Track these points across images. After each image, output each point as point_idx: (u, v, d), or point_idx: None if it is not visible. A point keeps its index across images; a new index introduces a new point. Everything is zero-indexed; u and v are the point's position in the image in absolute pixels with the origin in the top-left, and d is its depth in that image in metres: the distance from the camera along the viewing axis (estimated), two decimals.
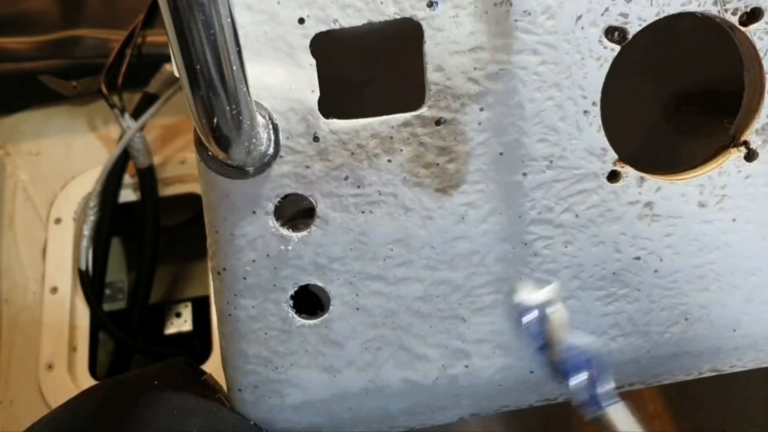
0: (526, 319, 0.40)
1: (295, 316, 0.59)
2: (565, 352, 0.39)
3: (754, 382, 1.00)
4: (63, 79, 1.34)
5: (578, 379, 0.40)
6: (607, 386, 0.39)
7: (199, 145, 0.51)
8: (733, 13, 0.54)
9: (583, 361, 0.40)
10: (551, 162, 0.56)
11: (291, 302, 0.58)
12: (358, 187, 0.55)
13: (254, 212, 0.55)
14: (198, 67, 0.41)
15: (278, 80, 0.52)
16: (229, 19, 0.40)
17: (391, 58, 0.66)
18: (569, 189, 0.57)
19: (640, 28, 0.53)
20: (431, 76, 0.53)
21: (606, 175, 0.57)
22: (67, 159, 1.37)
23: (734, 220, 0.60)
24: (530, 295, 0.40)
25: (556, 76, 0.54)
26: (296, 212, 0.61)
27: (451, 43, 0.52)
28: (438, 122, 0.54)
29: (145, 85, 1.33)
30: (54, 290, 1.27)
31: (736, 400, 1.06)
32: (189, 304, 1.44)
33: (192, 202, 1.36)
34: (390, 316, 0.60)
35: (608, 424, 0.39)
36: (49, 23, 1.36)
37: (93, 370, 1.25)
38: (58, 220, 1.32)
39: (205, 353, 1.25)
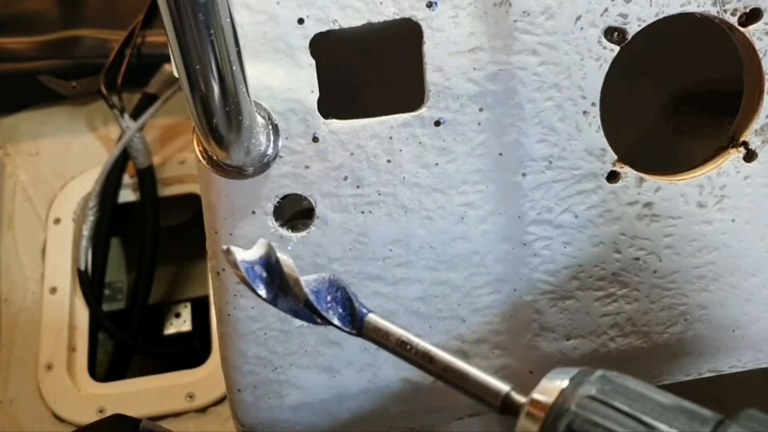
0: (253, 273, 0.38)
1: None
2: (307, 286, 0.38)
3: (754, 382, 1.00)
4: (62, 79, 1.35)
5: (333, 305, 0.40)
6: (356, 300, 0.40)
7: (199, 146, 0.51)
8: (732, 14, 0.54)
9: (326, 287, 0.39)
10: (550, 162, 0.56)
11: None
12: (358, 187, 0.55)
13: (253, 212, 0.55)
14: (197, 67, 0.41)
15: (278, 80, 0.52)
16: (228, 20, 0.40)
17: (390, 59, 0.66)
18: (568, 189, 0.57)
19: (639, 28, 0.53)
20: (430, 76, 0.53)
21: (605, 175, 0.57)
22: (67, 159, 1.37)
23: (733, 220, 0.60)
24: (244, 253, 0.39)
25: (556, 76, 0.54)
26: (295, 212, 0.61)
27: (450, 44, 0.52)
28: (437, 123, 0.54)
29: (144, 86, 1.33)
30: (53, 290, 1.27)
31: (735, 400, 1.06)
32: (188, 305, 1.44)
33: (191, 202, 1.36)
34: (389, 316, 0.59)
35: (374, 330, 0.40)
36: (48, 23, 1.36)
37: (92, 371, 1.25)
38: (57, 220, 1.32)
39: (205, 354, 1.25)
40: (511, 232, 0.58)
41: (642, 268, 0.60)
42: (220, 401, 1.20)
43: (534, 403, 0.37)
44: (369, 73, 0.73)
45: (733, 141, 0.59)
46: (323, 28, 0.51)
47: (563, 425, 0.36)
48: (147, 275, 1.36)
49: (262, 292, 0.39)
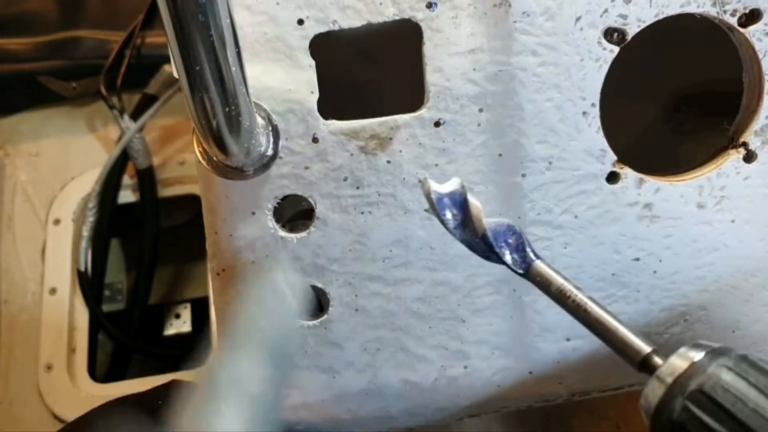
0: (444, 202, 0.44)
1: None
2: (487, 224, 0.43)
3: None
4: (62, 80, 1.34)
5: (506, 244, 0.44)
6: (529, 246, 0.44)
7: (199, 146, 0.51)
8: (732, 15, 0.54)
9: (504, 229, 0.44)
10: (550, 163, 0.56)
11: None
12: (358, 188, 0.55)
13: (253, 213, 0.55)
14: (197, 68, 0.41)
15: (277, 81, 0.52)
16: (228, 20, 0.40)
17: (390, 59, 0.66)
18: (568, 190, 0.57)
19: (639, 29, 0.53)
20: (430, 77, 0.53)
21: (605, 176, 0.57)
22: (67, 160, 1.37)
23: (733, 221, 0.60)
24: (439, 186, 0.44)
25: (556, 77, 0.54)
26: (296, 213, 0.61)
27: (450, 45, 0.52)
28: (437, 123, 0.54)
29: (144, 86, 1.33)
30: (53, 291, 1.27)
31: None
32: (188, 305, 1.44)
33: (191, 203, 1.36)
34: (389, 317, 0.60)
35: (539, 275, 0.43)
36: (48, 24, 1.36)
37: (92, 371, 1.25)
38: (57, 221, 1.32)
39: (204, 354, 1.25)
40: None
41: (642, 268, 0.60)
42: None
43: (668, 367, 0.38)
44: (368, 73, 0.73)
45: (733, 142, 0.59)
46: (323, 29, 0.51)
47: (694, 384, 0.37)
48: (147, 276, 1.36)
49: (448, 220, 0.44)
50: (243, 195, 0.54)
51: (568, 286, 0.43)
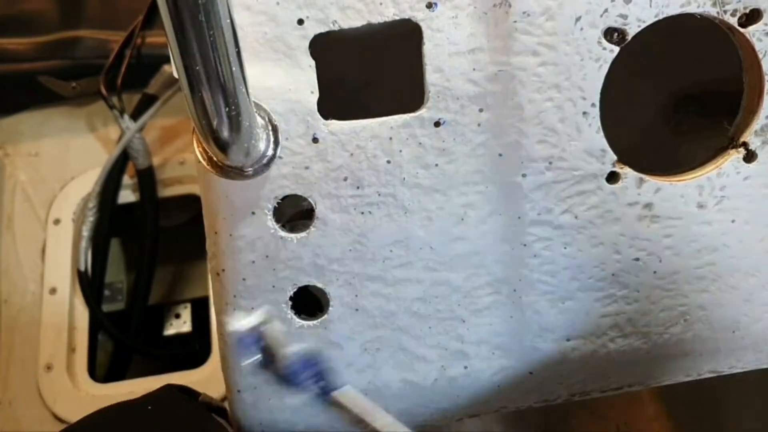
0: (242, 344, 0.43)
1: (295, 317, 0.59)
2: (288, 359, 0.43)
3: (753, 383, 1.00)
4: (62, 79, 1.34)
5: (306, 378, 0.44)
6: (330, 376, 0.43)
7: (199, 146, 0.51)
8: (732, 15, 0.54)
9: (305, 361, 0.44)
10: (550, 163, 0.56)
11: (290, 303, 0.58)
12: (358, 188, 0.55)
13: (253, 213, 0.55)
14: (197, 68, 0.41)
15: (277, 81, 0.52)
16: (228, 20, 0.40)
17: (390, 60, 0.66)
18: (568, 190, 0.57)
19: (639, 29, 0.53)
20: (430, 77, 0.53)
21: (605, 176, 0.57)
22: (66, 160, 1.37)
23: (733, 221, 0.60)
24: (241, 321, 0.42)
25: (556, 77, 0.54)
26: (296, 213, 0.61)
27: (450, 45, 0.52)
28: (437, 123, 0.54)
29: (144, 86, 1.33)
30: (53, 291, 1.27)
31: (735, 401, 1.06)
32: (188, 305, 1.44)
33: (191, 203, 1.36)
34: (389, 317, 0.60)
35: (341, 405, 0.44)
36: (48, 24, 1.36)
37: (92, 371, 1.25)
38: (57, 221, 1.32)
39: (204, 354, 1.25)
40: (511, 233, 0.58)
41: (642, 268, 0.60)
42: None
43: None
44: (369, 73, 0.73)
45: (733, 141, 0.59)
46: (323, 29, 0.51)
47: None
48: (147, 276, 1.36)
49: (249, 363, 0.44)
50: (243, 195, 0.54)
51: (371, 411, 0.43)
